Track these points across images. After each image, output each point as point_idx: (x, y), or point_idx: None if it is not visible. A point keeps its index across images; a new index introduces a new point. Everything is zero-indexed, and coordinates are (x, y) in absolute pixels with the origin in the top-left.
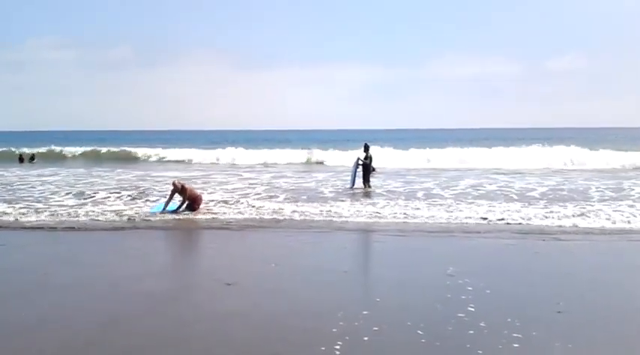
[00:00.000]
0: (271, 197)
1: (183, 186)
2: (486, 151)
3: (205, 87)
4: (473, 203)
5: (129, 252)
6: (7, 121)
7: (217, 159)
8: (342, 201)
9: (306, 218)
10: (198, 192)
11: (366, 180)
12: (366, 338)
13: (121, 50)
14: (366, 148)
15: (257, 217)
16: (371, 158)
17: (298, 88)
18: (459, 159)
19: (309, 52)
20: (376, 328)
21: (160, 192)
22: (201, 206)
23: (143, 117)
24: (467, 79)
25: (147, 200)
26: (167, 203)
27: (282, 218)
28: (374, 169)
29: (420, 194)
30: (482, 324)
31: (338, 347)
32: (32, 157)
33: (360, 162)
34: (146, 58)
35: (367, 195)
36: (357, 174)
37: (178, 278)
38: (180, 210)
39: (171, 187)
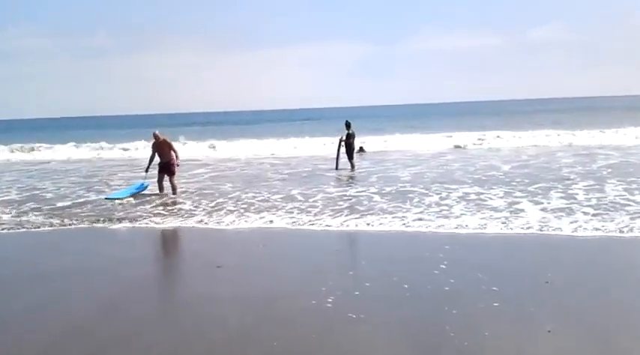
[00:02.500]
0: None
1: (164, 140)
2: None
3: (189, 70)
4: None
5: None
6: None
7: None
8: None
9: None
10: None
11: (350, 157)
12: None
13: (100, 37)
14: (348, 125)
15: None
16: (353, 135)
17: (280, 68)
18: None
19: (289, 33)
20: None
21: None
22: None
23: (127, 102)
24: (448, 52)
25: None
26: (150, 160)
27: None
28: (362, 150)
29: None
30: None
31: None
32: None
33: (343, 140)
34: (125, 44)
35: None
36: (341, 154)
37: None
38: (150, 166)
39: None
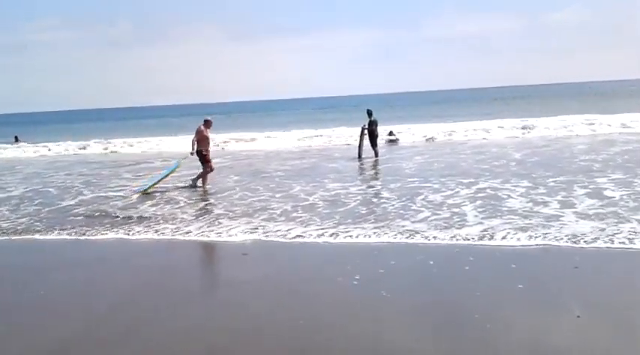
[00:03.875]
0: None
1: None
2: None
3: (208, 60)
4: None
5: None
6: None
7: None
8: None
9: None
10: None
11: (373, 145)
12: None
13: (121, 28)
14: (369, 114)
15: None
16: (376, 123)
17: (296, 56)
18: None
19: (305, 20)
20: None
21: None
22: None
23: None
24: (466, 37)
25: None
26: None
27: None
28: (396, 139)
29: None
30: None
31: None
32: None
33: (366, 129)
34: (146, 35)
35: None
36: (364, 142)
37: None
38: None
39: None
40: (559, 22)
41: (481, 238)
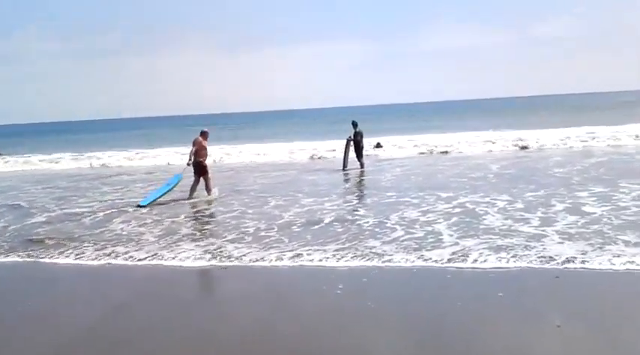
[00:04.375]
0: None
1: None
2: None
3: (200, 71)
4: None
5: None
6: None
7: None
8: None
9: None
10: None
11: (359, 156)
12: None
13: (110, 38)
14: (355, 125)
15: None
16: (361, 134)
17: (288, 67)
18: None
19: (298, 31)
20: None
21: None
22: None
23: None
24: (457, 50)
25: None
26: (191, 155)
27: None
28: (380, 145)
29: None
30: None
31: None
32: None
33: (351, 140)
34: (136, 45)
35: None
36: (350, 153)
37: None
38: (189, 162)
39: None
40: (546, 36)
41: (451, 260)
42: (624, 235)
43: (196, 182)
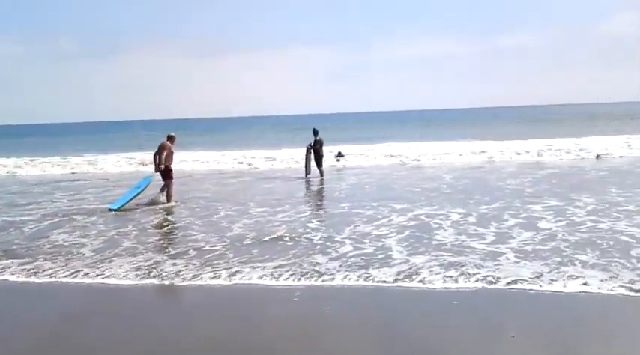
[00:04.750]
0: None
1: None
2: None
3: (159, 76)
4: None
5: None
6: None
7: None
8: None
9: None
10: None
11: (318, 165)
12: None
13: (67, 43)
14: (315, 133)
15: None
16: (321, 142)
17: (250, 74)
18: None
19: (259, 39)
20: None
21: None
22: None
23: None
24: (419, 60)
25: None
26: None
27: None
28: (341, 155)
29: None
30: None
31: None
32: None
33: (311, 148)
34: (93, 50)
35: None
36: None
37: None
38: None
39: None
40: (508, 47)
41: (398, 280)
42: (582, 254)
43: (164, 186)
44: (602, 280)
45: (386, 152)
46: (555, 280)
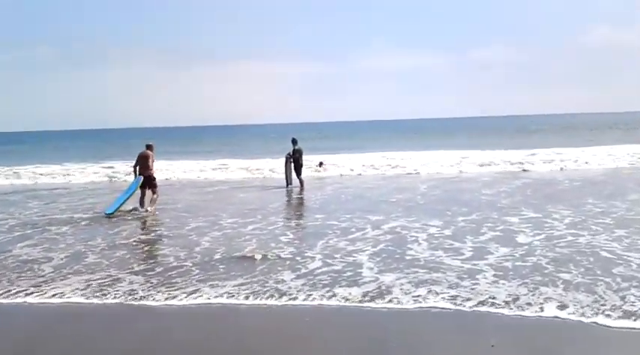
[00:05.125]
0: None
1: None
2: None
3: (135, 86)
4: None
5: None
6: None
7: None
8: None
9: None
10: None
11: (298, 174)
12: None
13: (43, 51)
14: (294, 142)
15: None
16: (300, 151)
17: (225, 85)
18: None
19: (235, 50)
20: None
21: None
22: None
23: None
24: (396, 71)
25: None
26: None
27: None
28: (322, 165)
29: None
30: None
31: None
32: None
33: (290, 157)
34: (71, 59)
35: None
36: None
37: None
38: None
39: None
40: (483, 60)
41: (362, 300)
42: (564, 272)
43: (144, 194)
44: (584, 306)
45: (366, 162)
46: (531, 304)
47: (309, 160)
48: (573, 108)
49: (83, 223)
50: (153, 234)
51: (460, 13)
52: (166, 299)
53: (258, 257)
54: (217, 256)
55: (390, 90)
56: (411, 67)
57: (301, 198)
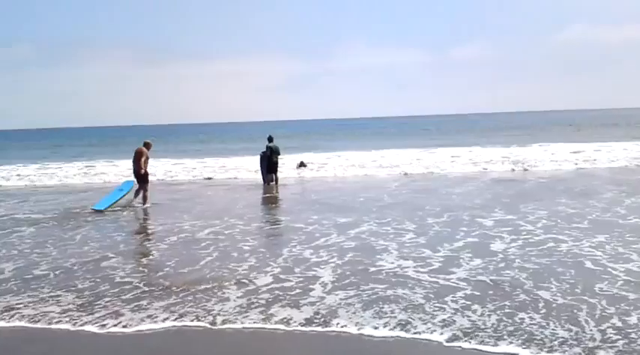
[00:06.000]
0: None
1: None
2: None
3: (114, 83)
4: None
5: None
6: None
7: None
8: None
9: None
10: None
11: (270, 171)
12: None
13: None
14: (269, 140)
15: None
16: (273, 149)
17: (209, 82)
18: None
19: (217, 46)
20: None
21: None
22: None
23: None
24: (379, 68)
25: None
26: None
27: None
28: (303, 164)
29: None
30: None
31: None
32: None
33: (265, 154)
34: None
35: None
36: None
37: None
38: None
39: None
40: (465, 57)
41: (302, 323)
42: (545, 290)
43: (139, 188)
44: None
45: (348, 162)
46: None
47: (291, 160)
48: (553, 105)
49: (50, 224)
50: (108, 242)
51: (442, 11)
52: (81, 324)
53: (206, 270)
54: (165, 269)
55: (366, 87)
56: (390, 64)
57: (274, 197)
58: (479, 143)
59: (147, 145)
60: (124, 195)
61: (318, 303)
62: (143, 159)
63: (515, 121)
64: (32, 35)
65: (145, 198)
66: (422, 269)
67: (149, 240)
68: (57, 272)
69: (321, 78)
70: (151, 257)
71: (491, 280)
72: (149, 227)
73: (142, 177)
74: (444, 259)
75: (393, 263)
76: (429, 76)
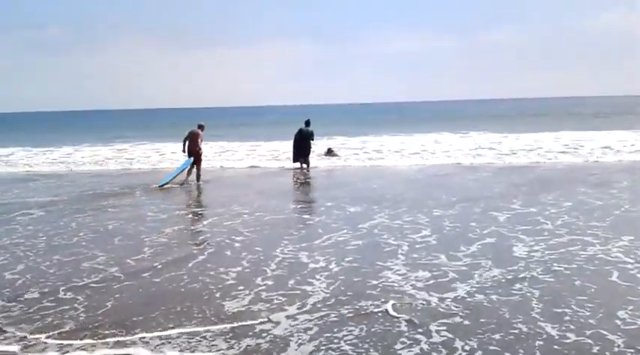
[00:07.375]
0: None
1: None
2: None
3: (142, 67)
4: None
5: None
6: None
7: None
8: None
9: None
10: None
11: (301, 155)
12: None
13: (52, 31)
14: (306, 123)
15: None
16: (306, 133)
17: (232, 66)
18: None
19: (239, 31)
20: None
21: None
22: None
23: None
24: (404, 53)
25: None
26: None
27: None
28: (331, 151)
29: None
30: None
31: None
32: None
33: (297, 136)
34: (79, 40)
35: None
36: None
37: None
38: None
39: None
40: (491, 42)
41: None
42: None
43: (191, 168)
44: None
45: (380, 148)
46: None
47: (320, 146)
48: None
49: (41, 213)
50: (101, 230)
51: None
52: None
53: (185, 276)
54: (147, 272)
55: (395, 73)
56: (416, 50)
57: (297, 184)
58: (542, 129)
59: (201, 127)
60: (181, 171)
61: (283, 323)
62: (200, 140)
63: (562, 106)
64: (65, 18)
65: (198, 176)
66: (426, 284)
67: (145, 231)
68: None
69: (348, 62)
70: (139, 256)
71: (500, 302)
72: (148, 215)
73: (196, 157)
74: (459, 269)
75: (393, 275)
76: (459, 61)
